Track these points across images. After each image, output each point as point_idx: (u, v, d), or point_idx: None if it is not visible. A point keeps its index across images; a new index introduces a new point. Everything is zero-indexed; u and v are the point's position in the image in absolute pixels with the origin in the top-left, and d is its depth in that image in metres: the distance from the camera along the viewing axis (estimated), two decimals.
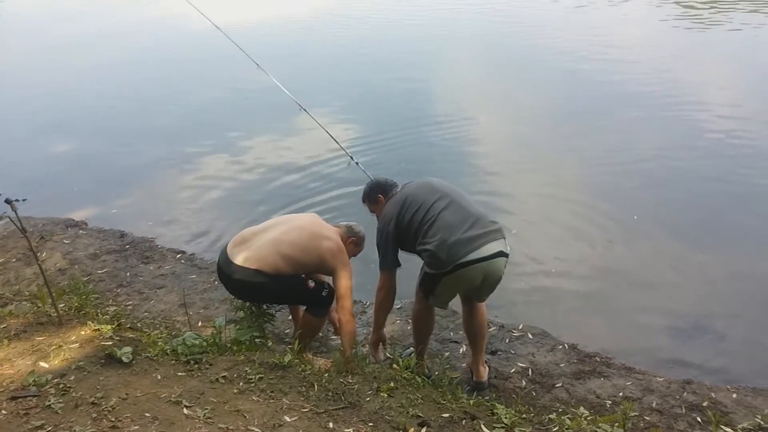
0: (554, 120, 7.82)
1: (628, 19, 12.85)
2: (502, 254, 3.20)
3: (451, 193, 3.32)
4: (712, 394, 3.45)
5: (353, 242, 3.71)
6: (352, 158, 4.85)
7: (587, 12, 13.66)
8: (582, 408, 3.15)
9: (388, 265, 3.40)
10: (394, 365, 3.29)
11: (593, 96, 8.58)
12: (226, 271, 3.45)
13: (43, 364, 2.80)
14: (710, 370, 3.75)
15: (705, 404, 3.35)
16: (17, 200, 3.27)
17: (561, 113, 8.03)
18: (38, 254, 5.05)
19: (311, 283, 3.51)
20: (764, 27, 11.61)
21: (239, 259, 3.38)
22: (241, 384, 2.80)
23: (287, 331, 4.20)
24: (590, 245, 5.11)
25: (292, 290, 3.52)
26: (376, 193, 3.61)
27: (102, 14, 16.33)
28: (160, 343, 3.18)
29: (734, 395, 3.45)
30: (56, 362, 2.81)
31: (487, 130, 7.60)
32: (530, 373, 3.69)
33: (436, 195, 3.29)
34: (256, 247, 3.42)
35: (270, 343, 3.69)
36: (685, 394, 3.46)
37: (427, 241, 3.19)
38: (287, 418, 2.55)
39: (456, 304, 4.07)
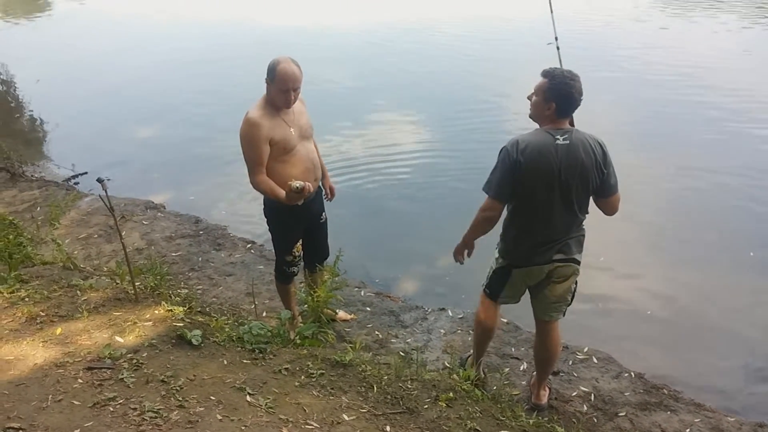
0: (639, 137, 7.58)
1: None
2: (573, 261, 3.08)
3: (568, 194, 2.93)
4: None
5: (267, 82, 3.28)
6: (556, 38, 3.87)
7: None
8: None
9: (491, 191, 2.98)
10: (454, 375, 3.27)
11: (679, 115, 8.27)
12: None
13: (118, 338, 2.93)
14: None
15: None
16: (107, 179, 3.41)
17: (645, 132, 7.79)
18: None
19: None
20: None
21: None
22: (302, 377, 2.85)
23: (347, 329, 4.23)
24: (667, 273, 4.92)
25: (269, 224, 3.67)
26: (554, 99, 2.87)
27: (202, 13, 16.91)
28: (227, 330, 3.26)
29: None
30: (131, 338, 2.93)
31: None
32: (592, 398, 3.59)
33: (560, 200, 2.94)
34: None
35: (331, 340, 3.74)
36: None
37: (515, 223, 3.08)
38: (345, 417, 2.57)
39: (524, 321, 4.03)
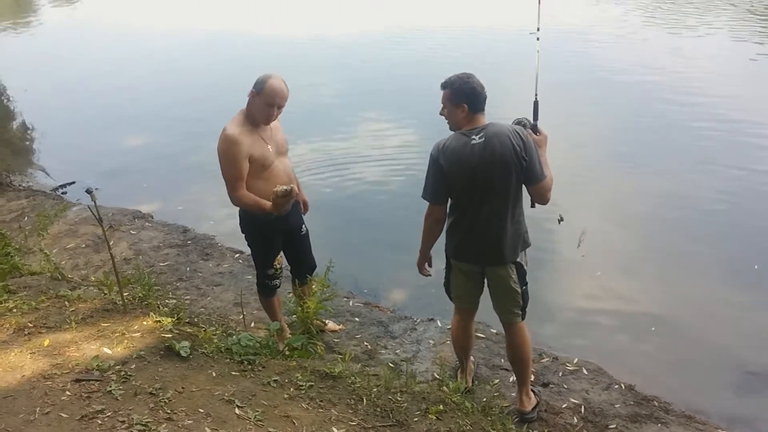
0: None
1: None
2: (506, 261, 3.19)
3: (491, 191, 3.05)
4: None
5: (253, 94, 3.30)
6: (538, 29, 3.61)
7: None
8: None
9: (428, 196, 3.18)
10: (444, 387, 3.26)
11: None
12: None
13: (106, 350, 2.89)
14: None
15: None
16: (95, 189, 3.39)
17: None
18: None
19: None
20: None
21: None
22: (291, 390, 2.83)
23: (336, 340, 4.22)
24: (659, 285, 4.91)
25: (248, 239, 3.70)
26: (462, 100, 3.03)
27: (192, 23, 16.90)
28: (215, 341, 3.23)
29: None
30: (119, 349, 2.90)
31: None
32: (582, 410, 3.59)
33: (483, 197, 3.07)
34: None
35: (320, 351, 3.72)
36: None
37: (449, 222, 3.26)
38: (335, 430, 2.56)
39: None
